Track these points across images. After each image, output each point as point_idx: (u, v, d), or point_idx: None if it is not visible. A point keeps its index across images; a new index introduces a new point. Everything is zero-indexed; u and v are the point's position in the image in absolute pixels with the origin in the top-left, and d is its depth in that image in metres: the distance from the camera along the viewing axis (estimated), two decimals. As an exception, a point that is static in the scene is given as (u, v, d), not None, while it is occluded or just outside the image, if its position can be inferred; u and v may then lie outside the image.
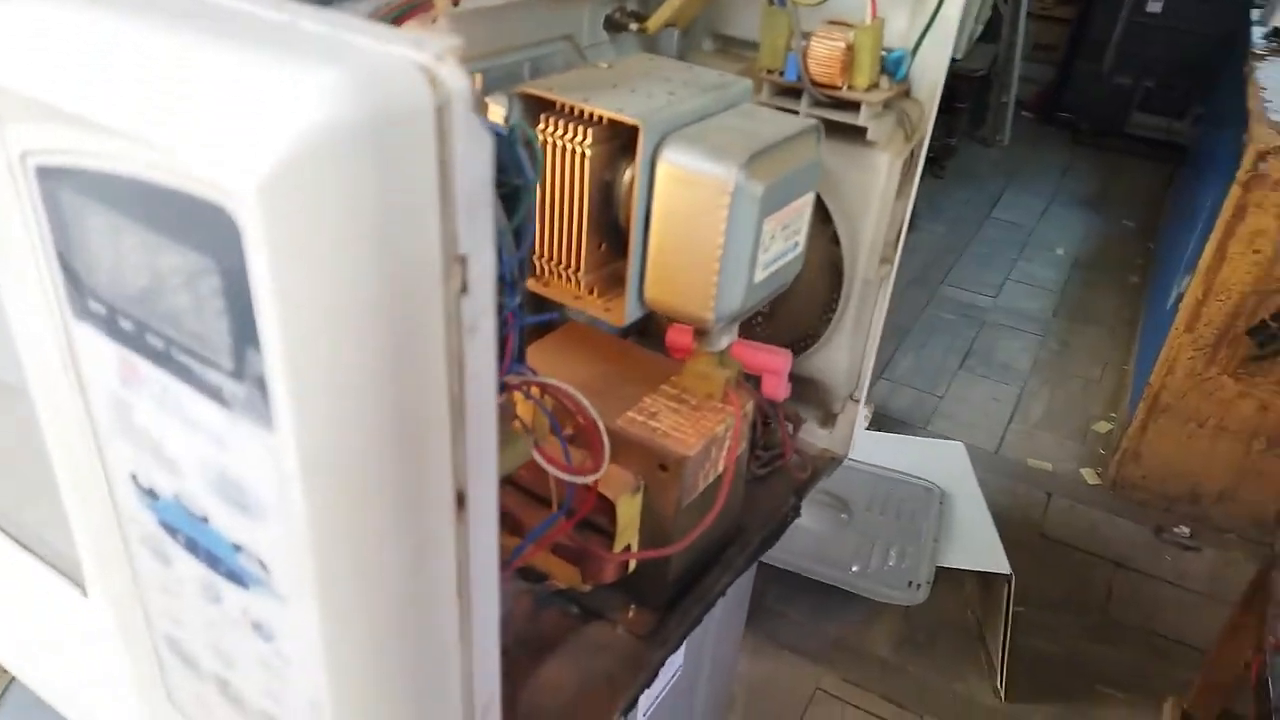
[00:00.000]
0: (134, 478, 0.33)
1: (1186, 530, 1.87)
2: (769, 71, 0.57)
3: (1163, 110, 3.51)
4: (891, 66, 0.55)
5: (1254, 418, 1.78)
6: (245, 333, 0.25)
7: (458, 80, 0.23)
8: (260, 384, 0.26)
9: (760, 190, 0.48)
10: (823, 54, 0.53)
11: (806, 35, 0.54)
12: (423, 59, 0.23)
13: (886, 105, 0.58)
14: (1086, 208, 3.24)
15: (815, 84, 0.55)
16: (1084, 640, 1.64)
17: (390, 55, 0.23)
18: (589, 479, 0.49)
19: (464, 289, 0.26)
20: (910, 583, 1.53)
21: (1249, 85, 1.90)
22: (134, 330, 0.28)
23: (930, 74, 0.58)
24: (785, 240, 0.53)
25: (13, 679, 0.52)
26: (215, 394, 0.27)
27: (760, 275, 0.52)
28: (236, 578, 0.31)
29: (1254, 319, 1.69)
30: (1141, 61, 3.48)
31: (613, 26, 0.58)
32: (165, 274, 0.26)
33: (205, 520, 0.31)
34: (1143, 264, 2.84)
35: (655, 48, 0.62)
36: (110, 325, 0.29)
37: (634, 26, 0.57)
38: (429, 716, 0.32)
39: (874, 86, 0.55)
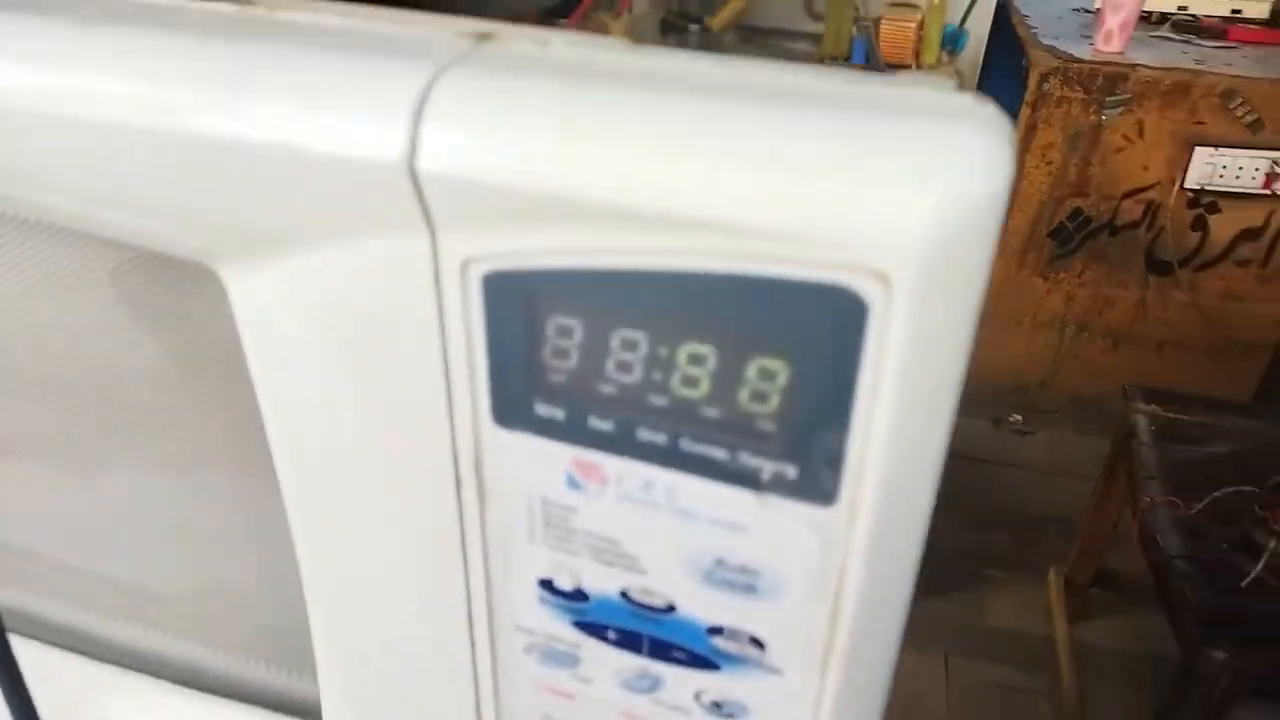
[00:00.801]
0: (547, 584, 0.30)
1: (1019, 417, 2.08)
2: (833, 58, 0.58)
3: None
4: (950, 41, 0.58)
5: (1062, 309, 1.99)
6: (824, 416, 0.24)
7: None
8: (831, 462, 0.25)
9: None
10: (895, 35, 0.55)
11: (871, 21, 0.55)
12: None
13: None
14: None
15: (890, 65, 0.57)
16: (962, 533, 1.80)
17: (991, 119, 0.23)
18: None
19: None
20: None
21: (1012, 15, 2.09)
22: (613, 430, 0.27)
23: (973, 44, 0.61)
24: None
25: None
26: (744, 479, 0.26)
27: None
28: (701, 661, 0.30)
29: (1053, 223, 1.88)
30: None
31: (669, 29, 0.57)
32: (682, 367, 0.25)
33: (669, 609, 0.29)
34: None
35: (717, 46, 0.61)
36: (568, 429, 0.27)
37: (694, 27, 0.56)
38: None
39: (938, 63, 0.58)
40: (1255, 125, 1.81)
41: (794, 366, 0.24)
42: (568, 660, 0.32)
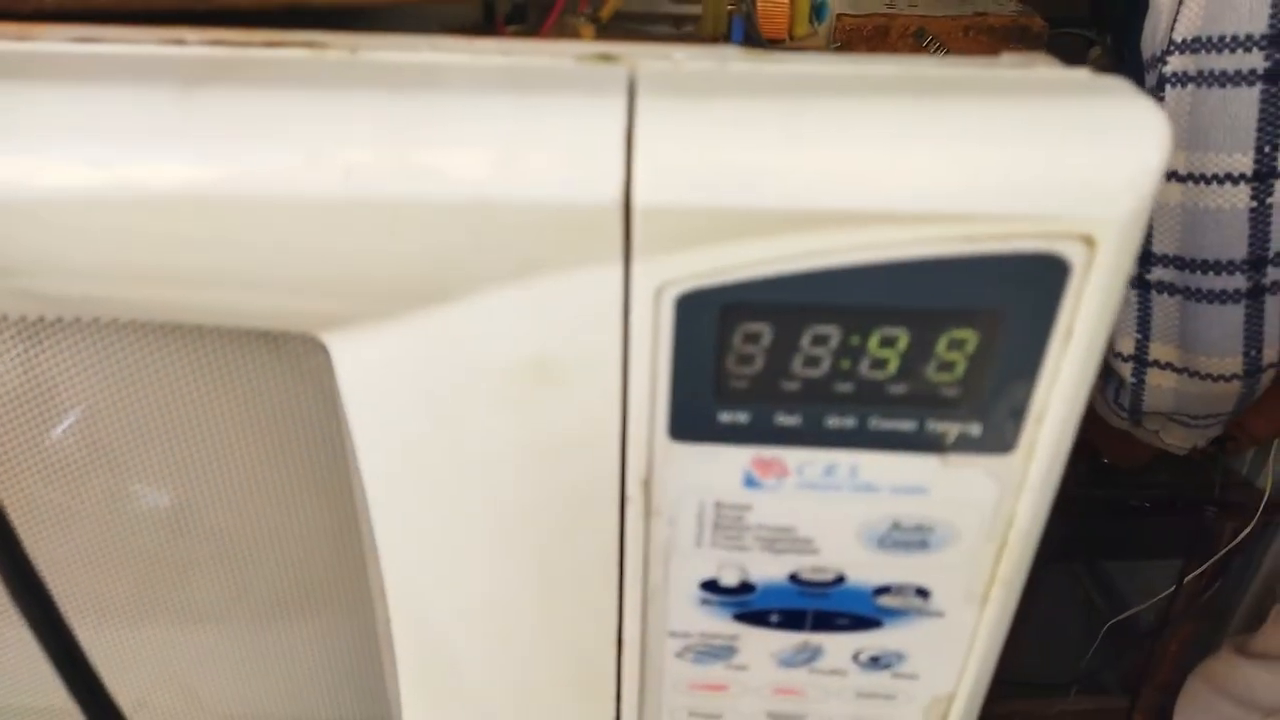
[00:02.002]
0: (710, 584, 0.31)
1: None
2: (712, 39, 0.60)
3: None
4: (815, 12, 0.62)
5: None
6: (1013, 373, 0.27)
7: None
8: (1015, 413, 0.27)
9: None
10: (771, 11, 0.58)
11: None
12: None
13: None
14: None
15: (769, 40, 0.60)
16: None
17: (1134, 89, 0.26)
18: None
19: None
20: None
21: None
22: (798, 423, 0.28)
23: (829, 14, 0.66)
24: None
25: None
26: (929, 445, 0.28)
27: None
28: (864, 622, 0.32)
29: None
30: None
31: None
32: (872, 352, 0.27)
33: (838, 581, 0.31)
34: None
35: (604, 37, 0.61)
36: (749, 431, 0.28)
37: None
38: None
39: (808, 34, 0.61)
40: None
41: (986, 332, 0.26)
42: (724, 654, 0.33)
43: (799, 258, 0.25)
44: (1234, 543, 1.05)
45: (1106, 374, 0.89)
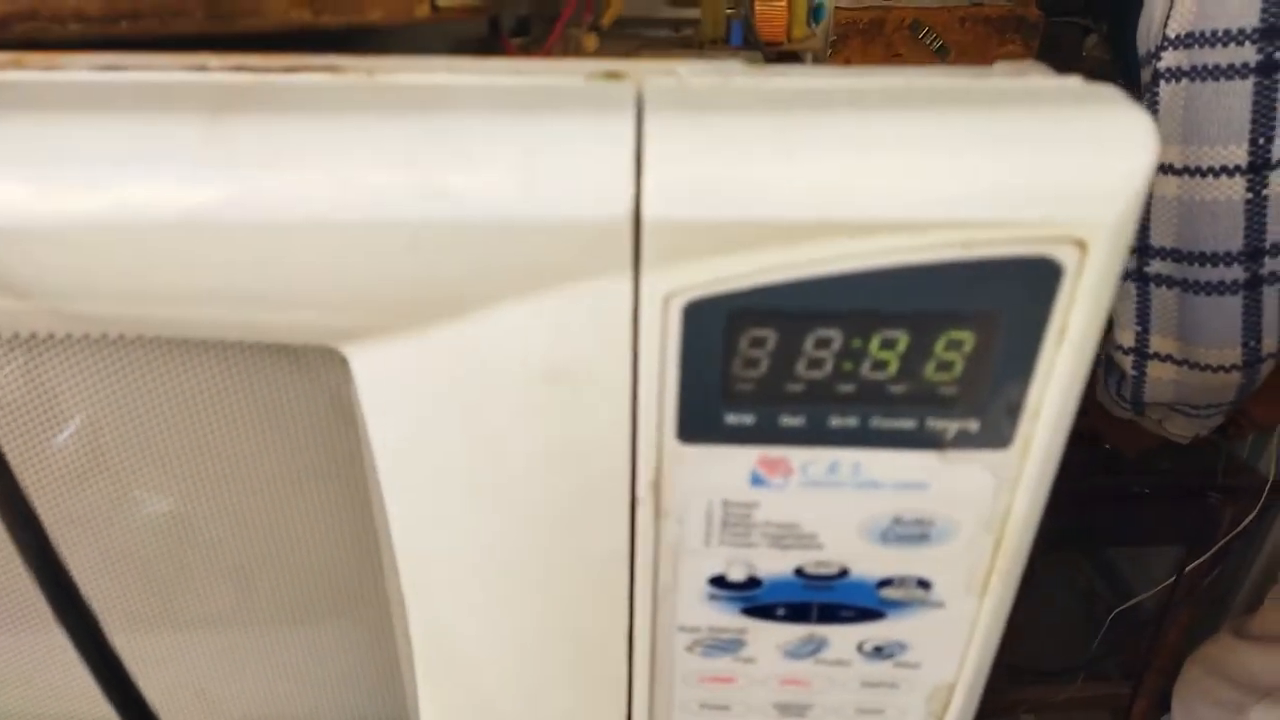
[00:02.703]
0: (718, 580, 0.32)
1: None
2: (711, 43, 0.61)
3: None
4: (812, 13, 0.63)
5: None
6: (1010, 371, 0.28)
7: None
8: (1011, 410, 0.28)
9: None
10: (769, 14, 0.59)
11: (745, 3, 0.59)
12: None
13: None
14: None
15: (767, 43, 0.61)
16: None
17: (1122, 96, 0.27)
18: None
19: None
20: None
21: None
22: (803, 423, 0.29)
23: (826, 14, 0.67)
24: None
25: None
26: (928, 442, 0.29)
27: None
28: (868, 614, 0.33)
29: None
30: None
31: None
32: (873, 354, 0.28)
33: (842, 574, 0.32)
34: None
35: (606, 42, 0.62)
36: (755, 431, 0.29)
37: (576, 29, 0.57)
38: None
39: (807, 35, 0.62)
40: (942, 50, 2.03)
41: (982, 333, 0.27)
42: (732, 647, 0.34)
43: (802, 266, 0.26)
44: (1237, 529, 1.06)
45: (1109, 366, 0.90)
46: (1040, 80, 0.27)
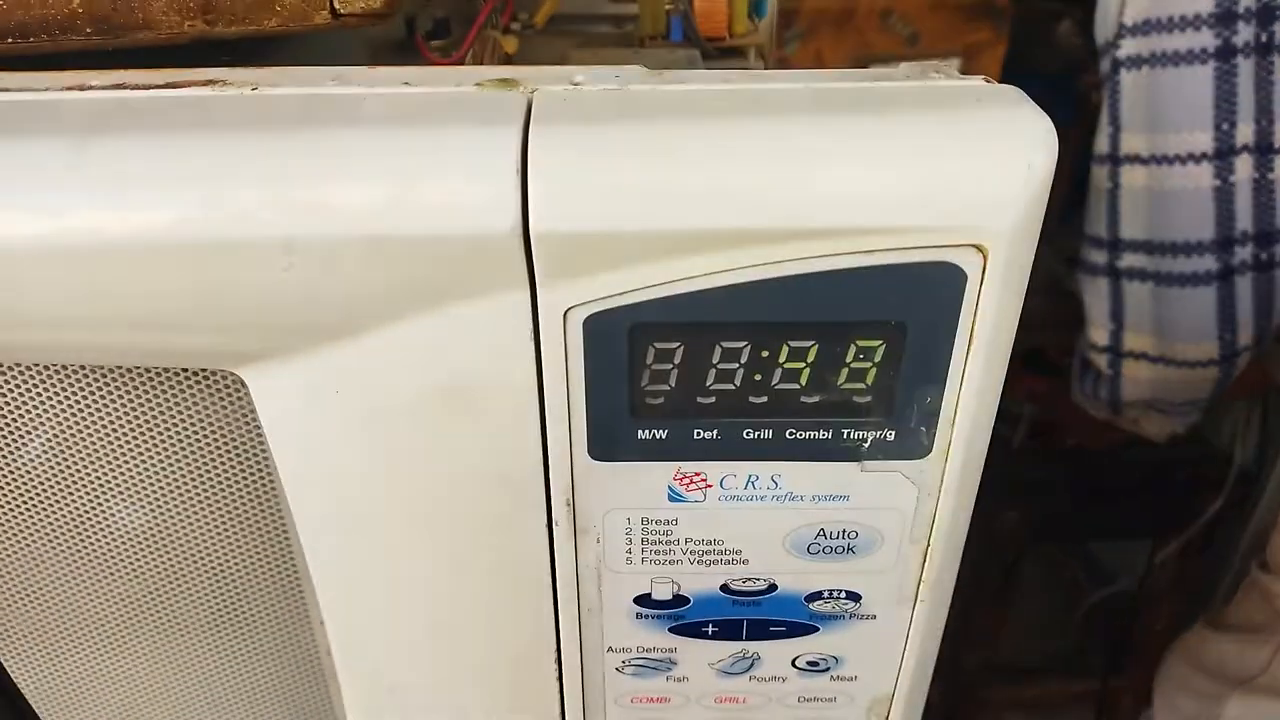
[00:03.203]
0: (644, 599, 0.31)
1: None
2: (650, 38, 0.60)
3: None
4: (754, 8, 0.62)
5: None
6: (922, 379, 0.27)
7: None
8: (927, 418, 0.28)
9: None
10: (709, 9, 0.58)
11: (678, -2, 0.58)
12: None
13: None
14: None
15: (708, 39, 0.60)
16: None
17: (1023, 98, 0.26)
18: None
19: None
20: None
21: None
22: (716, 437, 0.28)
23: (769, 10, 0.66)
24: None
25: None
26: (846, 454, 0.28)
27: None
28: (799, 629, 0.32)
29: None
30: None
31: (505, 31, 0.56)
32: (783, 364, 0.27)
33: (771, 589, 0.31)
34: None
35: (542, 40, 0.61)
36: (669, 447, 0.28)
37: (515, 25, 0.57)
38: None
39: (749, 30, 0.62)
40: (912, 38, 2.03)
41: (892, 341, 0.26)
42: (664, 666, 0.33)
43: (702, 276, 0.25)
44: (1205, 516, 1.05)
45: (1084, 366, 0.89)
46: (943, 82, 0.26)
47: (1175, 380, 0.82)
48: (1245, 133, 0.70)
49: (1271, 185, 0.71)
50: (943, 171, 0.24)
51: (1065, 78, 1.15)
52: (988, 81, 0.27)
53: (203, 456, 0.30)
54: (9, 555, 0.33)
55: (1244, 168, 0.72)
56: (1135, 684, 1.31)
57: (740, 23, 0.61)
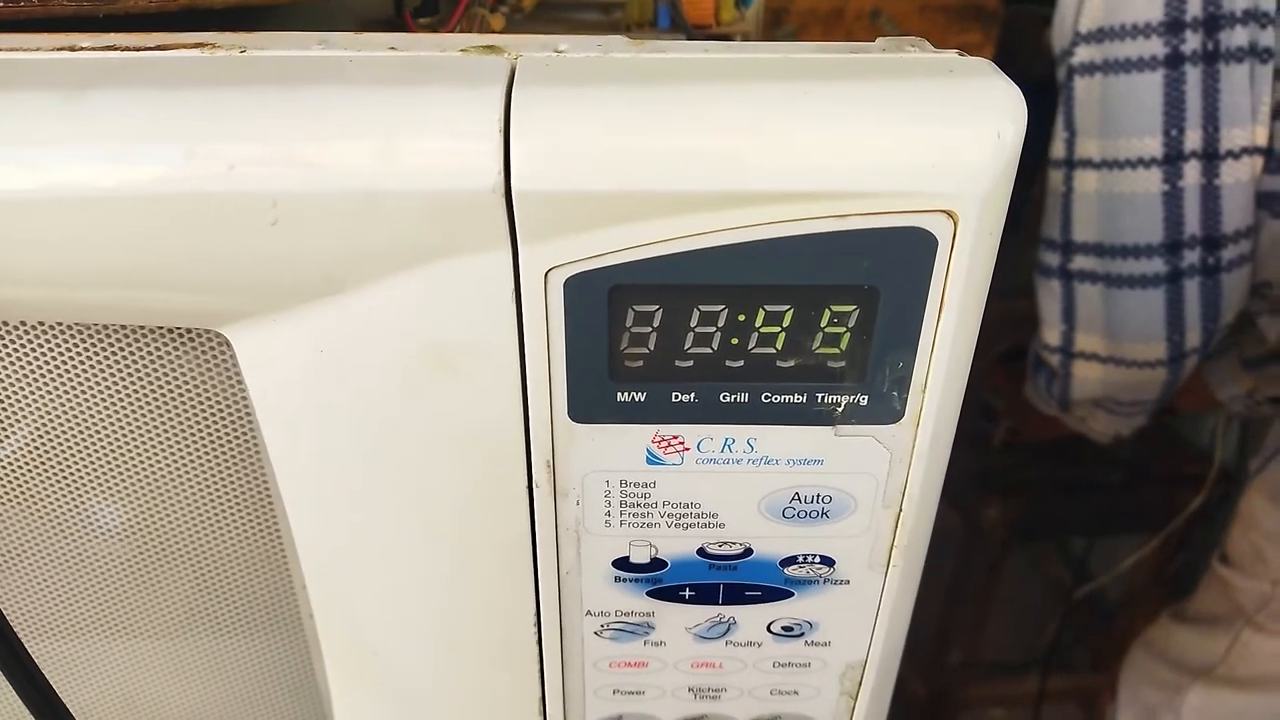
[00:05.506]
0: (622, 563, 0.32)
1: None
2: (638, 25, 0.61)
3: None
4: (741, -1, 0.63)
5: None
6: (894, 344, 0.28)
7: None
8: (899, 383, 0.28)
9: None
10: (696, -2, 0.59)
11: (668, -16, 0.59)
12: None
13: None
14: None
15: (695, 26, 0.60)
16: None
17: (994, 70, 0.27)
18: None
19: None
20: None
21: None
22: (694, 400, 0.29)
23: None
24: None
25: None
26: (820, 418, 0.29)
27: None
28: (774, 594, 0.33)
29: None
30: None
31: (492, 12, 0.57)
32: (759, 328, 0.28)
33: (747, 553, 0.32)
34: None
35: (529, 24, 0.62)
36: (647, 409, 0.29)
37: (503, 8, 0.57)
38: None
39: (735, 19, 0.62)
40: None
41: (865, 305, 0.27)
42: (641, 630, 0.34)
43: (680, 239, 0.26)
44: (1185, 513, 1.06)
45: (1037, 363, 0.91)
46: (918, 55, 0.27)
47: (1124, 380, 0.83)
48: (1193, 139, 0.72)
49: (1218, 190, 0.73)
50: (915, 138, 0.24)
51: (1054, 81, 1.16)
52: (961, 55, 0.27)
53: (187, 416, 0.31)
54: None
55: (1192, 173, 0.73)
56: (1117, 680, 1.32)
57: (727, 10, 0.61)
